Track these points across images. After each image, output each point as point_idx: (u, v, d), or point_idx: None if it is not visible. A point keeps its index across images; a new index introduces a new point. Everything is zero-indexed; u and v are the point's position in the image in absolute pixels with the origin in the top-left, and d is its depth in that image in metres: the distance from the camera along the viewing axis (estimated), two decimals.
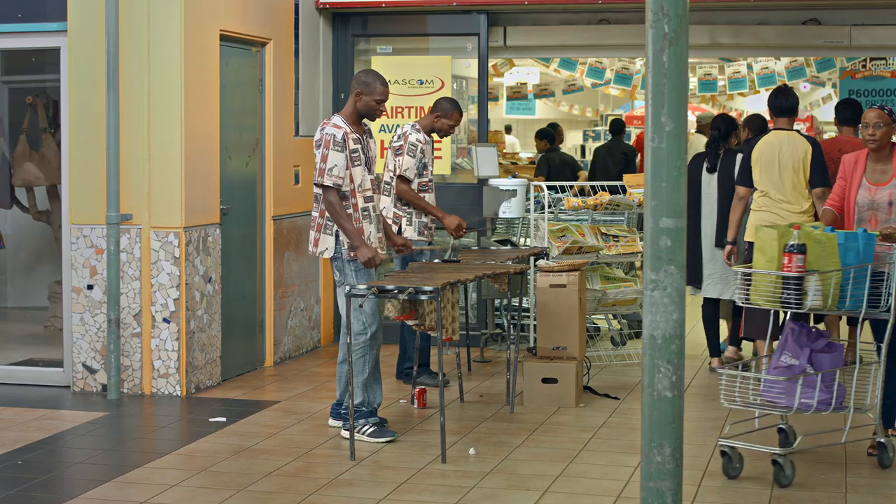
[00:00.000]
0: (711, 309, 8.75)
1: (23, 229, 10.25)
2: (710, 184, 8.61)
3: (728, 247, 8.14)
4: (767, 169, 7.85)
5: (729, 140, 8.68)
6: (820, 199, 7.62)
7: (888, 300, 5.96)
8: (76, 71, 7.84)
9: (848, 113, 9.04)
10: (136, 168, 7.74)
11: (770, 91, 8.32)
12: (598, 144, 18.15)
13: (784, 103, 7.94)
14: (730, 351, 8.90)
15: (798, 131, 8.17)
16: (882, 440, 6.06)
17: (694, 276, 8.62)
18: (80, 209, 7.87)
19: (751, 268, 6.04)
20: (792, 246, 5.80)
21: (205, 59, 7.95)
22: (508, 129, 20.35)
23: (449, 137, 8.71)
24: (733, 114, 19.78)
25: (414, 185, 7.76)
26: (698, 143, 12.51)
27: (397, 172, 7.72)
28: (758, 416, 6.20)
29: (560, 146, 13.99)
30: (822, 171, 7.77)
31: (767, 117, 8.99)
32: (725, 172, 8.52)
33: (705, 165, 8.62)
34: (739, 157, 8.35)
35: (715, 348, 8.77)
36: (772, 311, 6.32)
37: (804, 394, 5.85)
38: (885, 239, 6.04)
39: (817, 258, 5.84)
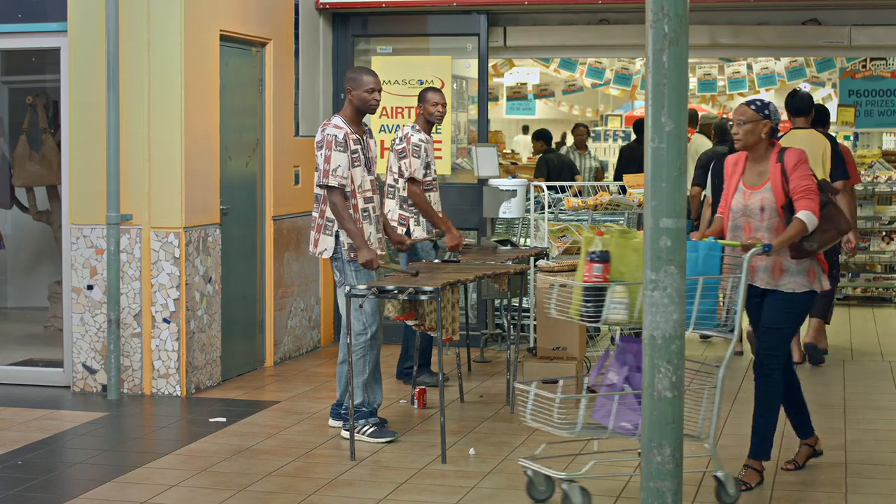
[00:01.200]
0: None
1: (23, 229, 10.25)
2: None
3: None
4: None
5: None
6: (841, 191, 8.13)
7: (728, 317, 5.50)
8: (76, 71, 7.84)
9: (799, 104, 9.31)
10: (136, 168, 7.74)
11: (788, 93, 8.92)
12: (598, 144, 18.17)
13: (799, 104, 8.48)
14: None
15: (815, 128, 8.65)
16: (719, 474, 5.44)
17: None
18: (80, 209, 7.87)
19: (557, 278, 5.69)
20: (592, 254, 5.38)
21: (205, 59, 7.94)
22: (525, 130, 20.33)
23: (449, 137, 8.71)
24: (727, 116, 19.78)
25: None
26: (698, 143, 12.50)
27: (406, 175, 7.70)
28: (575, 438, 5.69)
29: (563, 146, 14.00)
30: (842, 165, 8.40)
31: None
32: None
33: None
34: None
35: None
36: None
37: (623, 416, 5.41)
38: (745, 251, 5.52)
39: (634, 268, 5.34)
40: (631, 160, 12.48)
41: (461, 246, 7.90)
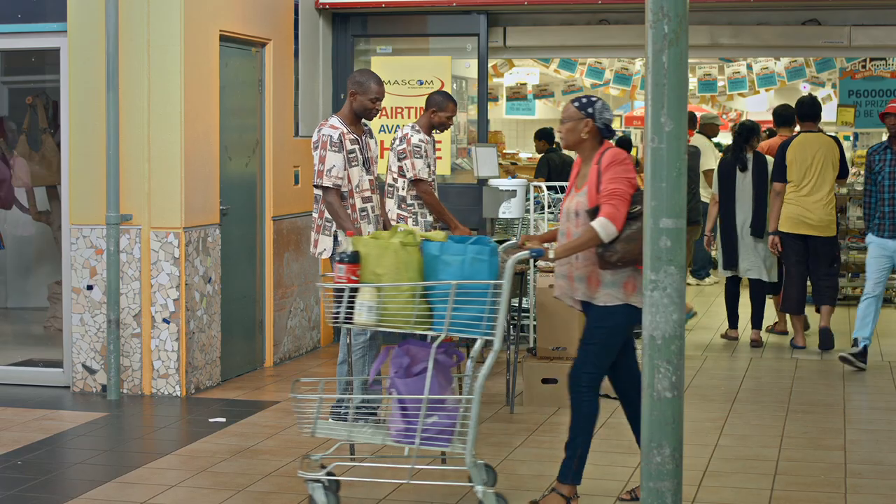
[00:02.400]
0: (734, 287, 9.98)
1: (23, 230, 10.25)
2: (742, 181, 9.70)
3: (771, 237, 9.49)
4: (801, 166, 9.40)
5: (751, 142, 9.79)
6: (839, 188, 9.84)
7: (489, 323, 5.17)
8: (76, 71, 7.84)
9: (786, 112, 10.54)
10: (136, 168, 7.74)
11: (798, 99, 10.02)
12: None
13: (809, 110, 9.67)
14: (753, 334, 9.82)
15: (821, 131, 9.76)
16: (478, 490, 5.13)
17: (731, 261, 9.77)
18: (79, 209, 7.87)
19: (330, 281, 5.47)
20: (342, 254, 5.29)
21: (205, 60, 7.95)
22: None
23: (449, 137, 8.70)
24: (733, 114, 19.81)
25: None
26: (697, 143, 12.51)
27: (409, 176, 7.68)
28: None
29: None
30: (846, 165, 9.64)
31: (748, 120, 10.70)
32: (757, 171, 9.69)
33: (737, 165, 9.74)
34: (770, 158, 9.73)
35: (733, 320, 9.98)
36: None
37: (393, 422, 5.27)
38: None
39: (392, 270, 5.23)
40: None
41: None
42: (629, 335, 5.52)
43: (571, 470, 5.33)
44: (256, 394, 7.94)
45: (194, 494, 5.66)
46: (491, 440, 6.68)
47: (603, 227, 5.18)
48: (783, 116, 10.47)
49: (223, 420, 7.12)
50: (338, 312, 5.30)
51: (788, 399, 7.74)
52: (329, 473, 5.38)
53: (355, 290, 5.26)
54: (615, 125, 20.90)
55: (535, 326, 8.49)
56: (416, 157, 7.65)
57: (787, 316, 10.02)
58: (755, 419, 7.20)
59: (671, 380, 3.51)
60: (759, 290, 9.82)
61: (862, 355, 8.68)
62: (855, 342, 8.73)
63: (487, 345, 5.17)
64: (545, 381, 7.53)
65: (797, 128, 10.02)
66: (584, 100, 5.42)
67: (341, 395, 6.92)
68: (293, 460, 6.25)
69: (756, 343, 9.68)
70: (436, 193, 7.93)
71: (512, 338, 7.79)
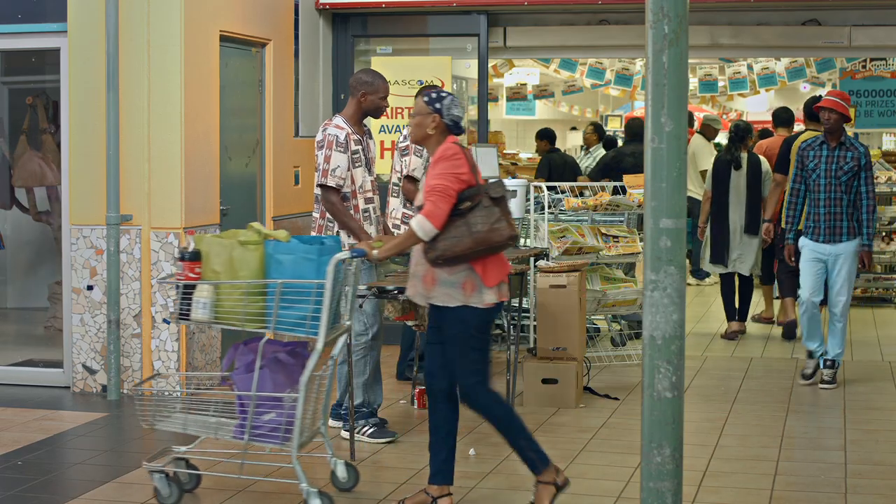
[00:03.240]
0: (729, 283, 10.21)
1: (23, 230, 10.25)
2: (737, 179, 9.97)
3: (765, 224, 9.76)
4: None
5: (745, 142, 10.14)
6: None
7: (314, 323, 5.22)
8: (76, 71, 7.84)
9: (785, 115, 10.89)
10: (136, 168, 7.74)
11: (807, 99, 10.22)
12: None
13: (788, 115, 10.48)
14: (739, 326, 10.25)
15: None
16: (303, 487, 5.19)
17: (720, 257, 10.08)
18: (79, 210, 7.87)
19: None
20: (184, 251, 5.35)
21: (205, 60, 7.95)
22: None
23: None
24: (733, 114, 19.81)
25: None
26: (696, 143, 12.54)
27: (405, 173, 7.70)
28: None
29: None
30: None
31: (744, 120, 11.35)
32: (751, 170, 9.98)
33: (732, 164, 10.02)
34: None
35: (731, 314, 10.23)
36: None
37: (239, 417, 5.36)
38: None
39: (229, 268, 5.29)
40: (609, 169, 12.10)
41: None
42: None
43: (533, 460, 5.28)
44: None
45: (194, 495, 5.65)
46: (491, 440, 6.67)
47: (419, 224, 5.11)
48: (782, 118, 10.83)
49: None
50: (187, 309, 5.34)
51: (788, 399, 7.74)
52: (190, 466, 5.54)
53: (192, 286, 5.31)
54: (615, 125, 20.91)
55: (535, 326, 8.49)
56: (416, 156, 7.65)
57: (777, 303, 10.50)
58: (755, 419, 7.20)
59: (671, 380, 3.51)
60: (747, 285, 10.30)
61: (830, 367, 8.06)
62: (810, 355, 8.22)
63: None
64: (545, 381, 7.54)
65: (797, 127, 10.14)
66: (434, 94, 5.30)
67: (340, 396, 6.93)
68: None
69: (741, 332, 10.22)
70: None
71: (512, 338, 7.79)
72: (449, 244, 5.08)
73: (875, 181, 11.64)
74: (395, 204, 7.74)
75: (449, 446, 5.35)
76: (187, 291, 5.32)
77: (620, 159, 11.49)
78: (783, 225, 8.77)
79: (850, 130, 13.40)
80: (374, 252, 5.33)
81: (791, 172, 8.33)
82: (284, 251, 5.29)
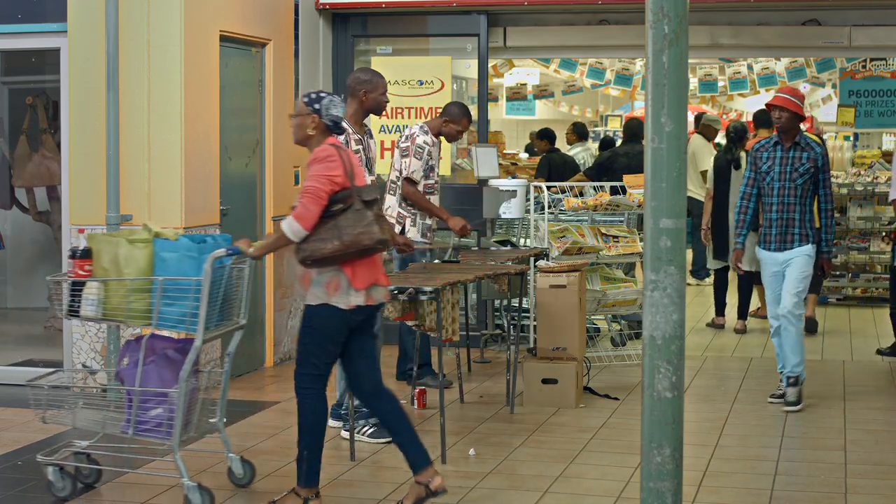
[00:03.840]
0: (723, 278, 10.63)
1: (23, 230, 10.24)
2: (736, 178, 10.15)
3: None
4: None
5: (743, 142, 10.43)
6: None
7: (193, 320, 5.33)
8: (76, 71, 7.84)
9: (765, 116, 10.87)
10: (136, 168, 7.74)
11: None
12: (597, 145, 18.18)
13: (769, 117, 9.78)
14: (738, 324, 10.50)
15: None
16: (185, 483, 5.29)
17: (720, 252, 10.33)
18: (79, 210, 7.87)
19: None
20: (74, 250, 5.53)
21: (205, 60, 7.94)
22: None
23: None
24: (733, 115, 19.82)
25: (420, 188, 7.75)
26: (696, 144, 12.54)
27: (404, 174, 7.71)
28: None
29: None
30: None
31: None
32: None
33: (731, 164, 10.30)
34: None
35: (720, 308, 10.61)
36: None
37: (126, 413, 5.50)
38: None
39: (114, 265, 5.42)
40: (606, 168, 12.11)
41: (468, 227, 7.87)
42: (366, 341, 5.40)
43: (302, 472, 5.31)
44: (256, 394, 7.94)
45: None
46: (491, 440, 6.68)
47: (288, 225, 5.14)
48: (763, 119, 10.98)
49: (223, 420, 7.10)
50: (77, 306, 5.48)
51: None
52: (92, 461, 5.70)
53: (81, 283, 5.44)
54: (615, 125, 20.89)
55: (535, 326, 8.49)
56: (416, 158, 7.66)
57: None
58: (755, 419, 7.19)
59: (671, 380, 3.51)
60: (748, 282, 10.36)
61: (793, 384, 7.45)
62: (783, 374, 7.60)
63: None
64: (545, 381, 7.53)
65: None
66: (314, 95, 5.32)
67: (340, 396, 6.93)
68: (294, 460, 6.24)
69: (741, 331, 10.39)
70: (438, 195, 7.93)
71: (512, 338, 7.80)
72: (317, 245, 5.11)
73: (875, 181, 11.59)
74: (390, 201, 7.75)
75: (409, 435, 5.39)
76: (77, 288, 5.47)
77: (614, 159, 11.51)
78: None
79: (850, 131, 13.47)
80: (250, 250, 5.38)
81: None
82: (169, 249, 5.40)
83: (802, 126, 7.67)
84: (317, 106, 5.26)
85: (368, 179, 6.70)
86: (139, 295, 5.39)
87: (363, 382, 5.44)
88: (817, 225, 7.60)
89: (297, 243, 5.16)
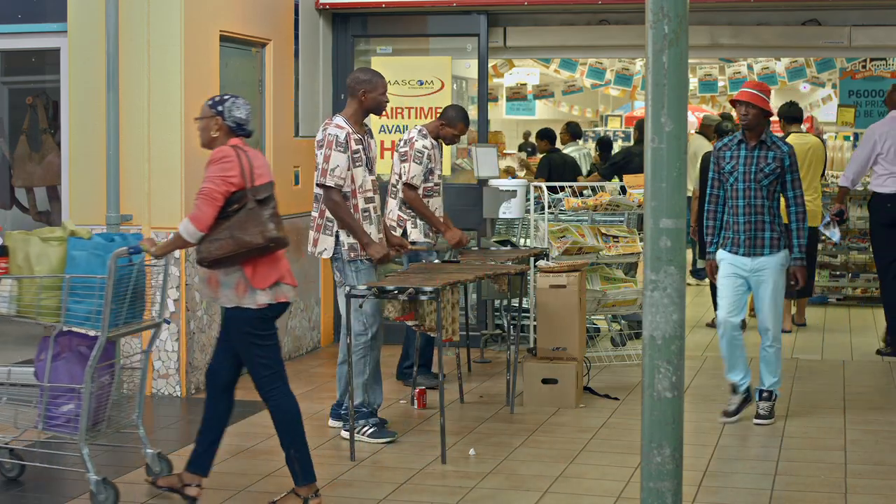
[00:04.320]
0: None
1: (23, 230, 10.23)
2: None
3: None
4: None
5: None
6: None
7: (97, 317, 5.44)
8: (76, 71, 7.84)
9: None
10: (136, 168, 7.74)
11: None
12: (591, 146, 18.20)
13: (798, 112, 10.36)
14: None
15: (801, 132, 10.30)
16: (91, 477, 5.39)
17: (706, 252, 10.28)
18: (80, 210, 7.87)
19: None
20: None
21: (205, 60, 7.95)
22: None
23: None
24: (733, 115, 19.83)
25: (419, 191, 7.75)
26: (696, 143, 12.55)
27: (404, 180, 7.71)
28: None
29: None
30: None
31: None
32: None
33: None
34: None
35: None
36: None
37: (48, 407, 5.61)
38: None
39: (26, 263, 5.54)
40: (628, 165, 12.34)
41: (464, 240, 7.87)
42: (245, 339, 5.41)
43: (295, 472, 5.43)
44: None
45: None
46: (491, 440, 6.68)
47: (184, 227, 5.21)
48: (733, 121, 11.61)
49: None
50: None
51: (789, 399, 7.74)
52: (15, 456, 5.77)
53: None
54: (615, 125, 20.89)
55: (535, 326, 8.49)
56: (415, 163, 7.67)
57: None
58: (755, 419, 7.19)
59: (671, 380, 3.51)
60: None
61: (746, 402, 7.22)
62: (733, 389, 7.25)
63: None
64: (545, 381, 7.53)
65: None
66: (217, 98, 5.39)
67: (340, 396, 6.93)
68: None
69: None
70: (440, 198, 7.93)
71: (512, 338, 7.80)
72: (212, 247, 5.16)
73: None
74: (392, 205, 7.76)
75: (214, 437, 5.51)
76: None
77: (630, 159, 11.55)
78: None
79: (850, 131, 13.47)
80: (153, 249, 5.44)
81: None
82: (79, 247, 5.50)
83: (803, 126, 7.64)
84: (220, 108, 5.33)
85: (369, 180, 6.71)
86: (49, 292, 5.52)
87: (224, 373, 5.53)
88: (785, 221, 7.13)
89: (196, 245, 5.23)
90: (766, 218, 6.96)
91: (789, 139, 10.08)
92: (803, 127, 11.13)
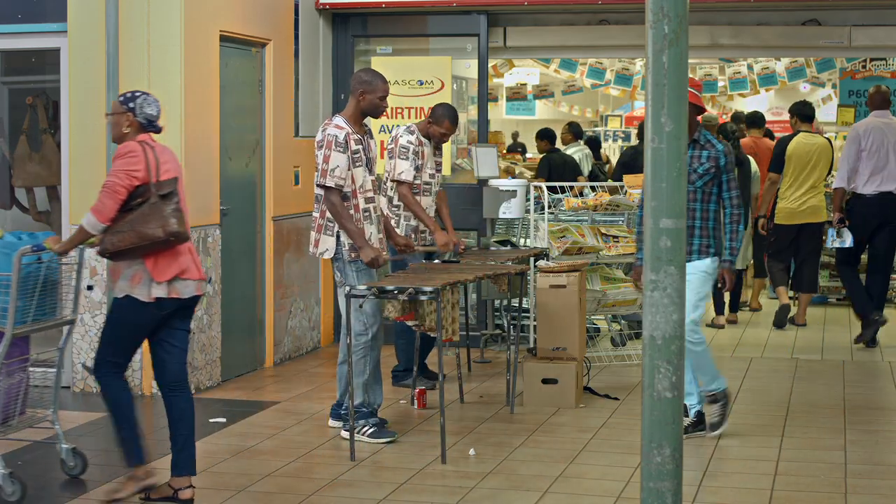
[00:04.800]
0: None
1: (23, 230, 10.22)
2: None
3: (761, 220, 10.53)
4: (800, 163, 10.32)
5: (737, 140, 10.70)
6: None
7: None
8: (76, 71, 7.84)
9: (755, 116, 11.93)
10: None
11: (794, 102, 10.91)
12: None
13: (811, 111, 10.62)
14: (731, 316, 10.86)
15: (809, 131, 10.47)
16: (3, 476, 5.52)
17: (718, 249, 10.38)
18: (80, 210, 7.85)
19: None
20: None
21: (205, 60, 7.95)
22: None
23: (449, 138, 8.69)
24: (727, 116, 19.88)
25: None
26: None
27: (391, 176, 7.72)
28: None
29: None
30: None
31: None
32: (742, 168, 10.32)
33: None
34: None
35: (720, 306, 10.70)
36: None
37: None
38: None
39: None
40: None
41: (453, 244, 7.78)
42: (173, 334, 5.57)
43: (125, 452, 5.52)
44: (256, 394, 7.94)
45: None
46: (491, 440, 6.68)
47: (87, 219, 5.30)
48: (753, 120, 11.80)
49: (223, 420, 7.12)
50: None
51: (789, 399, 7.74)
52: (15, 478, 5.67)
53: None
54: (615, 125, 20.89)
55: (535, 326, 8.49)
56: (402, 159, 7.66)
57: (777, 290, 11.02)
58: (755, 419, 7.20)
59: (671, 380, 3.51)
60: (738, 278, 10.80)
61: (712, 401, 6.75)
62: (685, 411, 6.65)
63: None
64: (545, 381, 7.53)
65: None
66: (129, 94, 5.47)
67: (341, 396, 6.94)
68: (294, 460, 6.25)
69: (732, 322, 10.78)
70: (431, 198, 7.91)
71: (512, 338, 7.80)
72: (114, 238, 5.27)
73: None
74: (382, 203, 7.75)
75: (187, 438, 5.55)
76: None
77: (637, 158, 11.57)
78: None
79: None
80: (56, 247, 5.51)
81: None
82: None
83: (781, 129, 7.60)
84: (131, 104, 5.40)
85: (369, 180, 6.71)
86: None
87: (164, 371, 5.62)
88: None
89: (100, 237, 5.33)
90: (696, 222, 6.59)
91: (798, 137, 10.42)
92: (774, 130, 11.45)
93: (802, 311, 10.79)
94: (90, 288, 7.84)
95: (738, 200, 6.70)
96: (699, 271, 6.57)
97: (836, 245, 9.73)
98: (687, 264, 6.11)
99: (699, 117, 6.72)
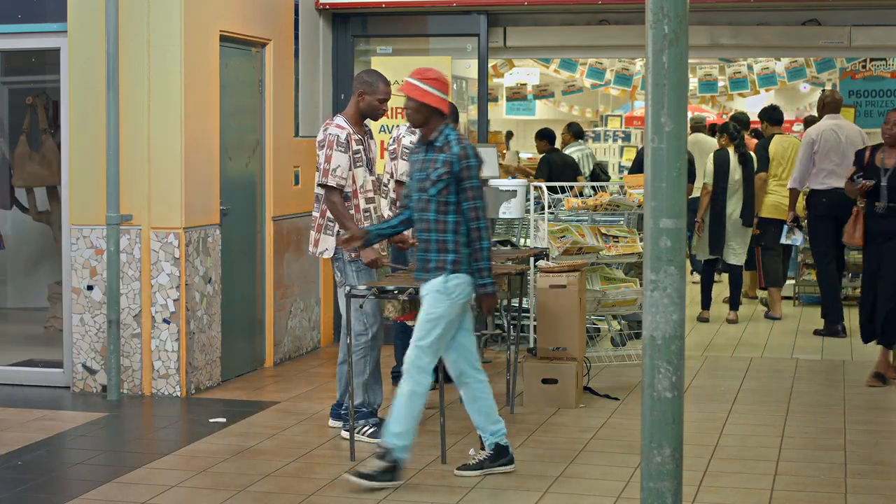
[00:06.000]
0: (710, 271, 11.09)
1: (23, 230, 10.24)
2: (733, 174, 10.81)
3: (756, 218, 10.90)
4: (781, 161, 10.85)
5: (743, 138, 11.07)
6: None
7: None
8: (76, 71, 7.84)
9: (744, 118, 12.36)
10: (136, 168, 7.74)
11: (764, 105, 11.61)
12: (597, 145, 18.18)
13: (780, 115, 11.44)
14: (731, 315, 10.98)
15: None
16: None
17: (717, 246, 10.83)
18: (79, 210, 7.87)
19: None
20: None
21: (205, 60, 7.94)
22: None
23: None
24: (727, 116, 19.89)
25: None
26: (700, 140, 12.59)
27: (394, 177, 7.71)
28: None
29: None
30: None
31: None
32: (746, 165, 10.79)
33: (735, 157, 10.83)
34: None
35: (706, 301, 11.03)
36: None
37: None
38: None
39: None
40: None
41: (405, 246, 7.48)
42: None
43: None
44: (256, 394, 7.94)
45: (194, 495, 5.66)
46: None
47: None
48: (741, 122, 12.06)
49: (223, 420, 7.12)
50: None
51: (788, 399, 7.74)
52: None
53: None
54: (615, 125, 20.89)
55: (535, 326, 8.49)
56: (404, 159, 7.65)
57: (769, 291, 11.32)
58: (755, 419, 7.20)
59: (671, 380, 3.51)
60: (738, 275, 11.06)
61: (381, 457, 5.74)
62: (480, 444, 6.10)
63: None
64: (545, 381, 7.53)
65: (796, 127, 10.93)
66: None
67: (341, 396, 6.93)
68: (294, 460, 6.25)
69: (733, 321, 10.88)
70: None
71: (512, 338, 7.79)
72: None
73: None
74: (382, 204, 7.74)
75: None
76: None
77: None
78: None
79: None
80: None
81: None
82: None
83: (804, 126, 7.69)
84: None
85: (369, 180, 6.71)
86: None
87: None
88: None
89: None
90: (432, 236, 5.73)
91: (776, 139, 11.02)
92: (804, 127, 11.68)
93: (777, 308, 11.19)
94: (90, 288, 7.84)
95: (477, 212, 5.76)
96: (431, 291, 5.71)
97: (788, 242, 10.52)
98: (426, 281, 5.70)
99: (449, 119, 5.95)
